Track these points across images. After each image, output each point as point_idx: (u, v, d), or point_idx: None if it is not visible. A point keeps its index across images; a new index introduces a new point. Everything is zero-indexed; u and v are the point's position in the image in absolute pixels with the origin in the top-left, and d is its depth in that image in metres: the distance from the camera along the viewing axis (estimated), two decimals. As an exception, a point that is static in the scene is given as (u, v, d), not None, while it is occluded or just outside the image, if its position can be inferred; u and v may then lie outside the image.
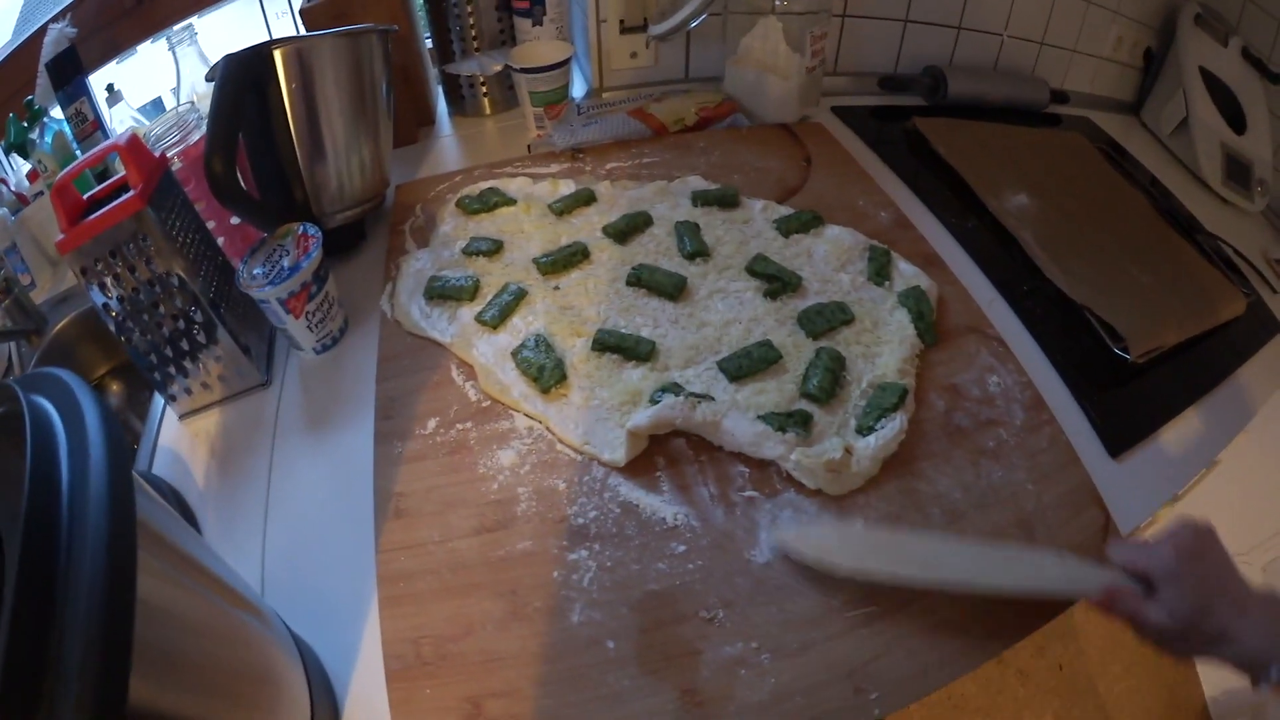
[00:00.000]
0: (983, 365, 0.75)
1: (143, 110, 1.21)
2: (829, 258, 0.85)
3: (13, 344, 1.01)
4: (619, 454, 0.68)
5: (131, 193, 0.70)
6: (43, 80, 1.09)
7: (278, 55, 0.81)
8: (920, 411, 0.71)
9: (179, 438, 0.81)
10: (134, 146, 0.71)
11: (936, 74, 1.11)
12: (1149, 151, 1.13)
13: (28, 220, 1.09)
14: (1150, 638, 0.54)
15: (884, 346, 0.76)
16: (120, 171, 0.73)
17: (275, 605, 0.63)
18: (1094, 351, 0.80)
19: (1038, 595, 0.58)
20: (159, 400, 0.84)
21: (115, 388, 1.10)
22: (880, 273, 0.83)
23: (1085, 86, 1.18)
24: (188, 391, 0.80)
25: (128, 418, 1.05)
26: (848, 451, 0.66)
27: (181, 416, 0.82)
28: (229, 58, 0.79)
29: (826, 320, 0.77)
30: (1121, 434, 0.73)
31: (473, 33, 1.14)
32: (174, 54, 1.11)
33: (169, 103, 1.21)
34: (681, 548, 0.63)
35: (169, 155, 0.84)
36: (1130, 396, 0.78)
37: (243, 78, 0.79)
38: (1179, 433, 0.75)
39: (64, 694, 0.30)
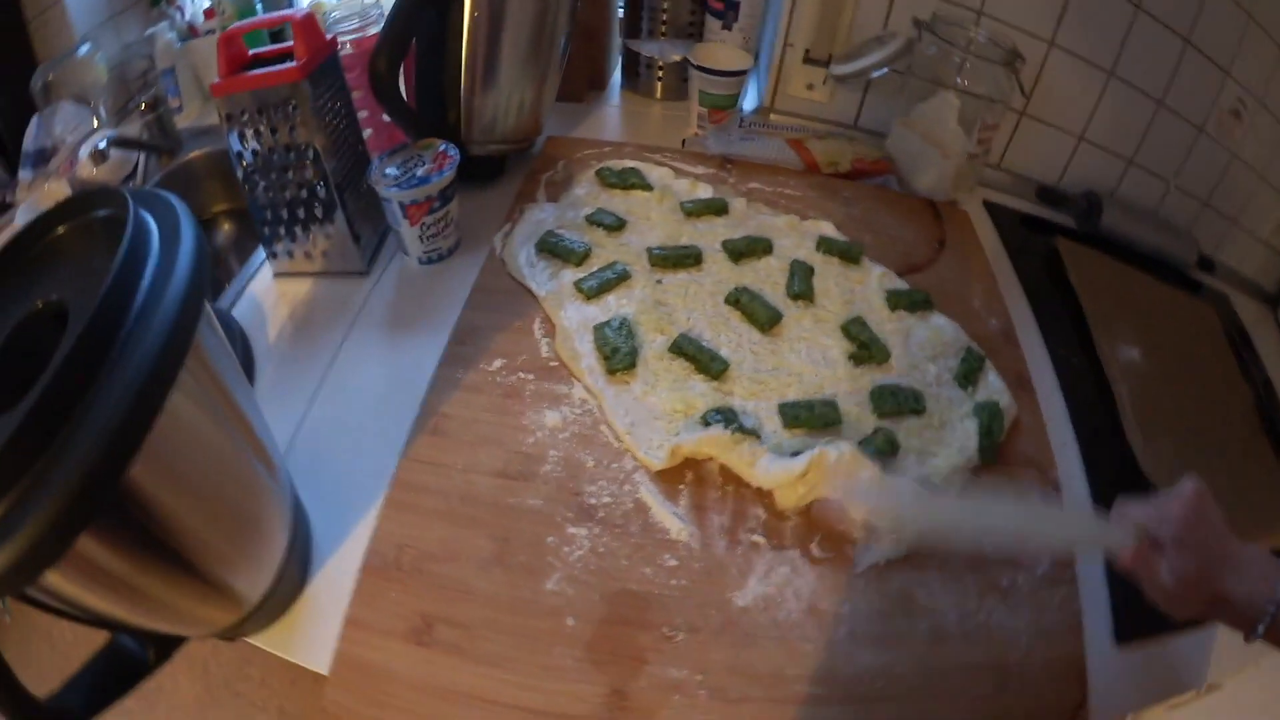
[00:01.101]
0: (1031, 505, 0.73)
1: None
2: (925, 344, 0.83)
3: (143, 156, 1.06)
4: (655, 457, 0.69)
5: (294, 63, 0.75)
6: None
7: (467, -18, 0.84)
8: (951, 525, 0.70)
9: (267, 292, 0.87)
10: (308, 23, 0.76)
11: (1094, 200, 1.06)
12: (1274, 351, 1.05)
13: (193, 50, 1.15)
14: (1158, 598, 0.56)
15: (942, 449, 0.74)
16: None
17: (296, 466, 0.68)
18: (1143, 531, 0.76)
19: (1074, 546, 0.64)
20: (261, 252, 0.89)
21: (227, 227, 1.16)
22: (968, 377, 0.80)
23: (1234, 262, 1.11)
24: (290, 255, 0.86)
25: (229, 257, 1.11)
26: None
27: (276, 274, 0.88)
28: (420, -29, 0.82)
29: (898, 403, 0.76)
30: (1136, 623, 0.68)
31: (663, 16, 1.15)
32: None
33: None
34: (673, 561, 0.64)
35: (343, 40, 0.88)
36: None
37: (428, -7, 0.83)
38: (1193, 643, 0.69)
39: (76, 445, 0.34)
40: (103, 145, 0.93)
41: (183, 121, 1.14)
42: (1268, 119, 0.99)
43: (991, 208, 1.09)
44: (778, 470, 0.67)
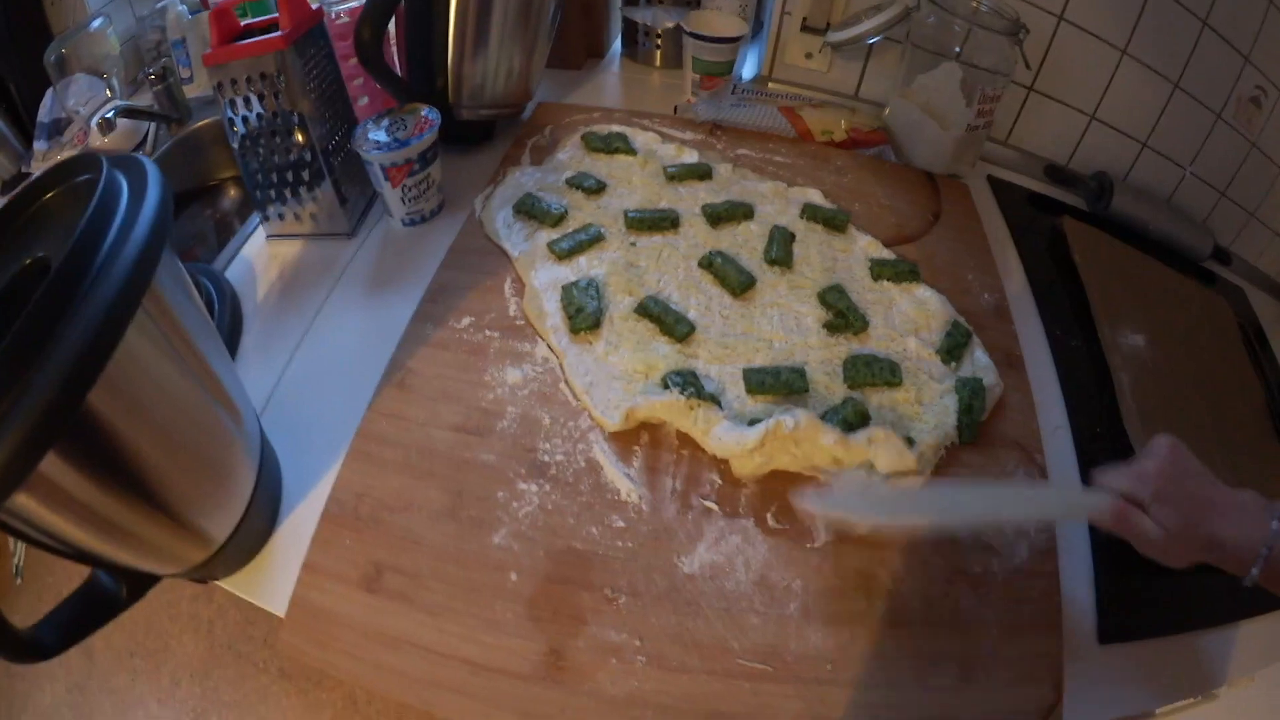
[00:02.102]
0: (1012, 488, 0.70)
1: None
2: (907, 316, 0.81)
3: (153, 126, 1.10)
4: (611, 418, 0.69)
5: (278, 33, 0.77)
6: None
7: (455, -52, 0.84)
8: (921, 506, 0.68)
9: (259, 253, 0.89)
10: None
11: (1105, 182, 1.02)
12: None
13: (203, 22, 1.16)
14: (1149, 551, 0.57)
15: (917, 424, 0.71)
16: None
17: (272, 419, 0.71)
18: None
19: (1054, 519, 0.65)
20: (256, 216, 0.92)
21: (233, 192, 1.18)
22: (952, 352, 0.78)
23: (1251, 255, 1.05)
24: (280, 217, 0.88)
25: (235, 220, 1.14)
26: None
27: (269, 236, 0.90)
28: (405, -64, 0.83)
29: (872, 374, 0.73)
30: (1123, 621, 0.65)
31: (661, -18, 1.15)
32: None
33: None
34: (621, 523, 0.64)
35: (339, 9, 0.90)
36: (1152, 588, 0.68)
37: (414, -41, 0.84)
38: (1187, 647, 0.66)
39: (42, 375, 0.38)
40: (110, 115, 0.97)
41: (192, 91, 1.16)
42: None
43: (996, 184, 1.06)
44: (732, 440, 0.66)
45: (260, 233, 0.91)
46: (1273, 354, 0.98)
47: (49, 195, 0.50)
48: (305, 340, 0.80)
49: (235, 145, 0.83)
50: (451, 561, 0.61)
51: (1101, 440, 0.78)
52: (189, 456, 0.54)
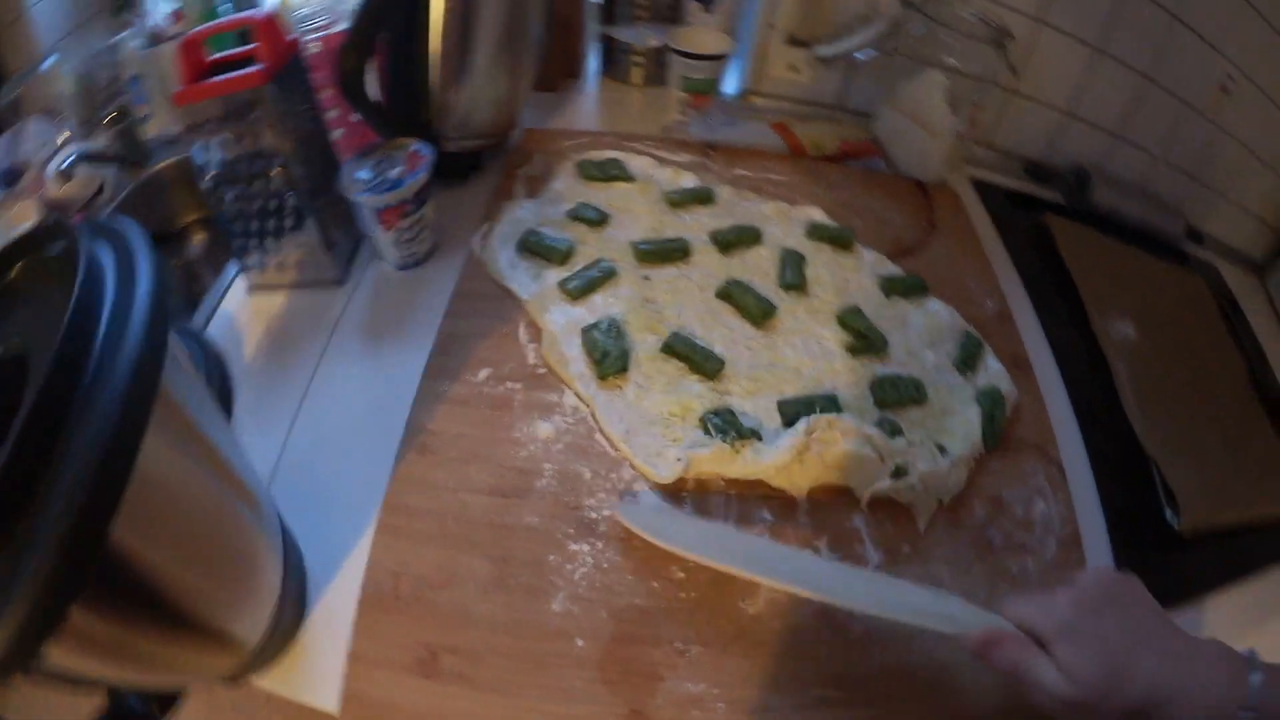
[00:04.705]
0: (1035, 487, 0.71)
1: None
2: (922, 332, 0.82)
3: (112, 169, 1.03)
4: (653, 465, 0.67)
5: (258, 67, 0.71)
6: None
7: (437, -27, 0.80)
8: (958, 514, 0.68)
9: (242, 308, 0.83)
10: (270, 25, 0.73)
11: (1082, 175, 1.06)
12: (1264, 320, 1.05)
13: (160, 57, 1.10)
14: (1050, 706, 0.43)
15: (945, 437, 0.72)
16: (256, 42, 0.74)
17: (280, 495, 0.65)
18: (1146, 507, 0.76)
19: (904, 622, 0.53)
20: (234, 266, 0.86)
21: (199, 237, 1.12)
22: (967, 362, 0.79)
23: (1221, 233, 1.12)
24: (262, 267, 0.82)
25: (203, 269, 1.08)
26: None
27: (251, 288, 0.84)
28: (387, -38, 0.78)
29: (899, 393, 0.74)
30: None
31: (642, 0, 1.12)
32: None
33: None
34: (680, 574, 0.62)
35: (310, 38, 0.85)
36: (1165, 565, 0.72)
37: (396, -15, 0.79)
38: (1199, 617, 0.69)
39: (48, 515, 0.31)
40: (68, 164, 0.90)
41: (152, 130, 1.10)
42: (1255, 93, 0.98)
43: (981, 186, 1.07)
44: (784, 443, 0.66)
45: (240, 285, 0.85)
46: (1248, 324, 1.03)
47: (14, 271, 0.43)
48: (305, 404, 0.74)
49: (208, 189, 0.76)
50: (509, 634, 0.58)
51: (1107, 431, 0.80)
52: (215, 563, 0.49)
